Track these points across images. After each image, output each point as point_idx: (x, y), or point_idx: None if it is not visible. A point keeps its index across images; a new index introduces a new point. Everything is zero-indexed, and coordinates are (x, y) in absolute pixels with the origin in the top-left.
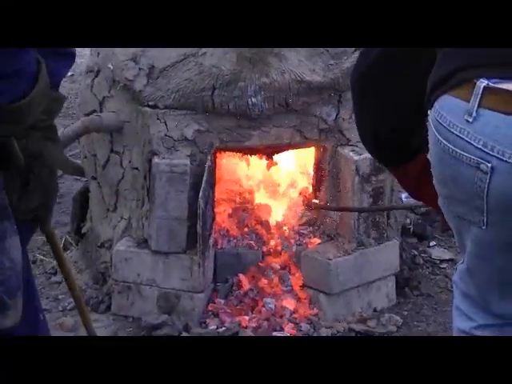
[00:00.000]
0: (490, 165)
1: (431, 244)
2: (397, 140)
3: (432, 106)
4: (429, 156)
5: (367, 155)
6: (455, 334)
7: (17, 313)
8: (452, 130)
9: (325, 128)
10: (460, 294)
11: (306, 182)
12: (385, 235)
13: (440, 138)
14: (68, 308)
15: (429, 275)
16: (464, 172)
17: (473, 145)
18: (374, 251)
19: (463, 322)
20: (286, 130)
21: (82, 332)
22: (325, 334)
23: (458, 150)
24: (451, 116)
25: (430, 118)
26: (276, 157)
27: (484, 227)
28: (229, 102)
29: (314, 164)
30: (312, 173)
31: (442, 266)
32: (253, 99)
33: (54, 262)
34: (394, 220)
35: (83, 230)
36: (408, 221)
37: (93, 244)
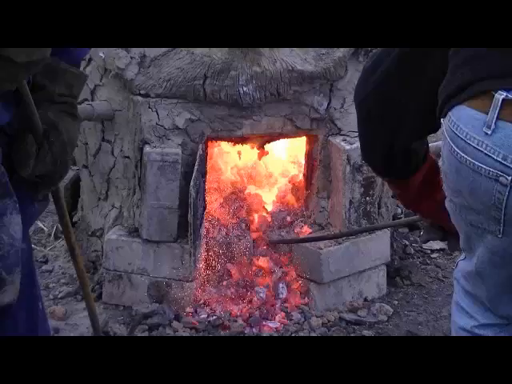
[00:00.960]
0: (510, 178)
1: (422, 234)
2: (411, 151)
3: (445, 116)
4: (441, 165)
5: (358, 144)
6: (454, 330)
7: (15, 289)
8: (469, 141)
9: (316, 117)
10: (461, 291)
11: (297, 171)
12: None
13: (456, 149)
14: (59, 297)
15: (419, 265)
16: (482, 184)
17: (492, 157)
18: (365, 241)
19: (463, 319)
20: (277, 119)
21: (74, 320)
22: (315, 324)
23: (477, 163)
24: (468, 128)
25: (443, 128)
26: (267, 146)
27: (500, 236)
28: (220, 91)
29: (306, 153)
30: (303, 162)
31: (432, 255)
32: (244, 88)
33: (45, 251)
34: (385, 210)
35: (74, 219)
36: (399, 210)
37: (84, 233)
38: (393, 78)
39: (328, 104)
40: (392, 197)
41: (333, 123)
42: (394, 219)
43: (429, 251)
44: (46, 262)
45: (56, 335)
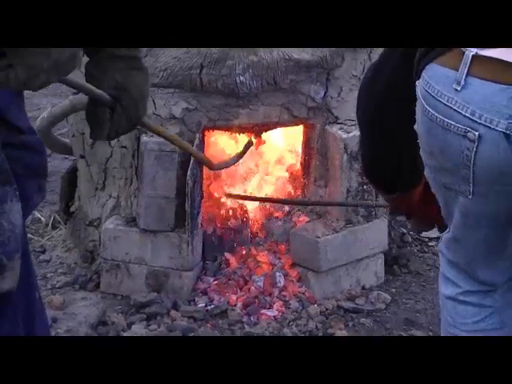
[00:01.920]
0: (477, 133)
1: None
2: (418, 160)
3: (420, 77)
4: (416, 127)
5: (356, 133)
6: (441, 302)
7: (14, 276)
8: (440, 99)
9: (313, 106)
10: (446, 262)
11: (294, 160)
12: (373, 213)
13: (428, 107)
14: (57, 286)
15: (417, 253)
16: (451, 141)
17: (461, 113)
18: (363, 229)
19: (449, 288)
20: (274, 109)
21: (72, 310)
22: (313, 312)
23: (446, 120)
24: (439, 85)
25: (417, 89)
26: (264, 135)
27: (470, 196)
28: (217, 81)
29: (303, 142)
30: (300, 151)
31: (430, 243)
32: (241, 77)
33: (43, 241)
34: (382, 198)
35: (72, 209)
36: None
37: (81, 223)
38: (393, 88)
39: (325, 93)
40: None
41: (330, 112)
42: None
43: (426, 239)
44: (43, 252)
45: (53, 324)
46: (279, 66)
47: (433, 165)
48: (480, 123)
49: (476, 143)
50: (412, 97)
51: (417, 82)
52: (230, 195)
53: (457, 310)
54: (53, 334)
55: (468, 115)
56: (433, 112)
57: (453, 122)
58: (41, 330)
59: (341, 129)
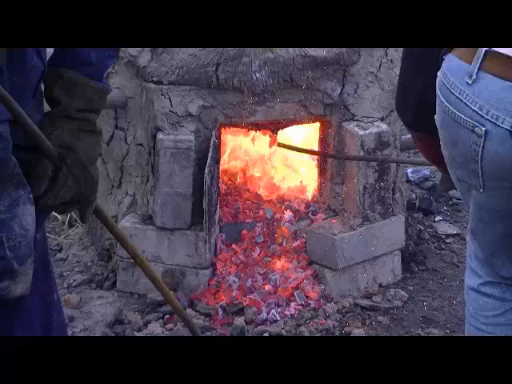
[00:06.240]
0: (484, 128)
1: (437, 219)
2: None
3: (440, 67)
4: (435, 117)
5: (372, 130)
6: (465, 292)
7: (27, 281)
8: (453, 91)
9: (330, 103)
10: (470, 253)
11: (310, 157)
12: (390, 210)
13: (443, 99)
14: (73, 285)
15: (434, 250)
16: (461, 134)
17: (470, 107)
18: (380, 226)
19: (472, 278)
20: (290, 106)
21: (88, 308)
22: (330, 310)
23: (457, 113)
24: (454, 77)
25: (437, 80)
26: (281, 132)
27: (481, 190)
28: (233, 78)
29: (319, 139)
30: (317, 148)
31: (447, 240)
32: (257, 74)
33: (59, 239)
34: (399, 195)
35: None
36: (414, 196)
37: (98, 221)
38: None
39: (341, 89)
40: (406, 181)
41: (346, 109)
42: (408, 205)
43: (443, 236)
44: (60, 251)
45: (70, 323)
46: (295, 63)
47: (447, 156)
48: (487, 119)
49: (483, 138)
50: None
51: (438, 73)
52: (281, 145)
53: (478, 302)
54: (69, 333)
55: (476, 110)
56: (446, 104)
57: (463, 116)
58: (58, 331)
59: (357, 125)
